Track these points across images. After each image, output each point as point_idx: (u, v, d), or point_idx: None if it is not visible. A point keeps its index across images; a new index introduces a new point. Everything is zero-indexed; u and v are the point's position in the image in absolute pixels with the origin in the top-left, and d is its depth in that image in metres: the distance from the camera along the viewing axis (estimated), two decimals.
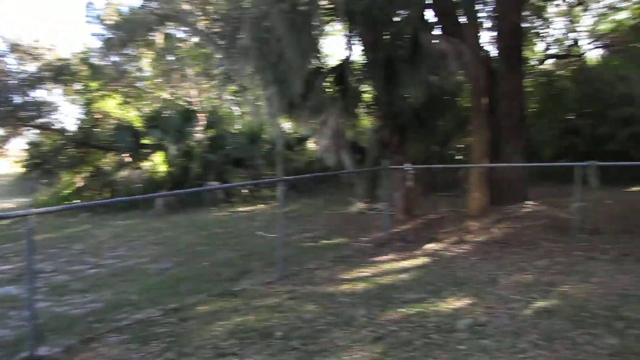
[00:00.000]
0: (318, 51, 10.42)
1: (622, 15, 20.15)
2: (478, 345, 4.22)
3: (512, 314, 4.90)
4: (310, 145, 19.57)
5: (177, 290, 6.41)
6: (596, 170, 8.18)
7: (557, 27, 21.98)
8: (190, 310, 5.48)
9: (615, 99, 17.77)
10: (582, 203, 8.77)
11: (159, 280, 7.00)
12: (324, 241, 9.20)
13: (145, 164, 16.95)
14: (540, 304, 5.20)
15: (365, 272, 6.87)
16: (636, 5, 18.99)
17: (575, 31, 21.74)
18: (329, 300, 5.59)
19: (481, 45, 11.88)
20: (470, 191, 10.21)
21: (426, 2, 11.55)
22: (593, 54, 22.20)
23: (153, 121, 17.58)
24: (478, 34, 10.71)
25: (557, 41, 22.00)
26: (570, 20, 21.45)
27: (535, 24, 20.47)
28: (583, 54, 21.59)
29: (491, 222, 9.77)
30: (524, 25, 16.31)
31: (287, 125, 18.58)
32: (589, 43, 22.00)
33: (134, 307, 5.73)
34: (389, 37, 9.77)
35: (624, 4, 19.64)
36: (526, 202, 11.58)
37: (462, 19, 10.65)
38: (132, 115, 20.27)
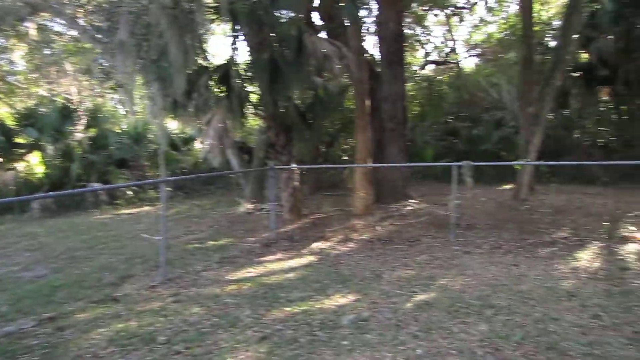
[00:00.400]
0: (203, 49, 10.21)
1: (491, 29, 21.80)
2: (361, 340, 4.33)
3: (394, 308, 5.08)
4: (197, 145, 19.18)
5: (53, 298, 6.00)
6: (470, 170, 8.70)
7: (436, 35, 23.26)
8: (67, 319, 5.15)
9: (488, 103, 19.16)
10: (459, 201, 9.30)
11: (33, 288, 6.50)
12: (211, 242, 9.03)
13: (20, 165, 15.77)
14: (420, 297, 5.43)
15: (252, 272, 6.83)
16: (502, 21, 20.66)
17: (452, 40, 23.08)
18: (215, 302, 5.51)
19: (365, 49, 12.26)
20: (355, 190, 10.50)
21: (312, 5, 11.74)
22: (468, 61, 23.72)
23: (28, 119, 16.33)
24: (361, 38, 11.02)
25: (437, 48, 23.24)
26: (448, 30, 22.71)
27: (416, 32, 21.51)
28: (460, 61, 22.94)
29: (376, 220, 10.10)
30: (405, 31, 17.08)
31: (172, 124, 18.10)
32: (465, 51, 23.47)
33: (2, 319, 5.28)
34: (274, 38, 9.77)
35: (492, 19, 21.28)
36: (409, 200, 12.12)
37: (347, 23, 10.89)
38: (3, 113, 18.78)
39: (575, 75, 16.78)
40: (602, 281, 5.83)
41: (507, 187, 14.17)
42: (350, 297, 5.50)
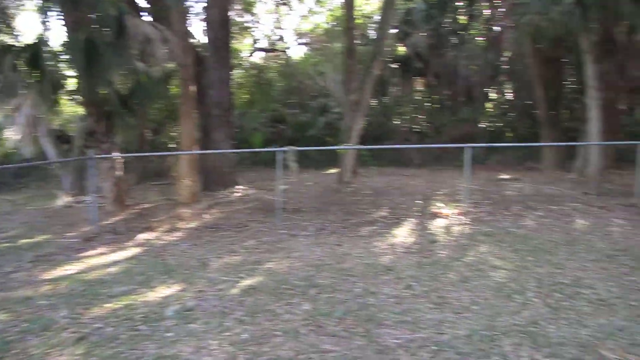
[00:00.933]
0: (7, 25, 9.23)
1: (319, 19, 22.56)
2: (186, 330, 4.25)
3: (220, 295, 5.05)
4: (9, 134, 17.31)
5: None
6: (294, 155, 8.94)
7: (265, 23, 23.44)
8: None
9: (314, 91, 19.88)
10: (286, 185, 9.51)
11: None
12: (23, 240, 8.22)
13: None
14: (246, 282, 5.47)
15: (70, 269, 6.36)
16: (329, 12, 21.56)
17: (281, 28, 23.43)
18: (25, 306, 5.01)
19: (191, 33, 11.99)
20: (181, 178, 10.30)
21: None
22: (297, 50, 24.26)
23: None
24: (186, 23, 10.77)
25: (266, 36, 23.42)
26: (277, 18, 23.02)
27: (245, 18, 21.49)
28: (288, 49, 23.41)
29: (203, 207, 10.01)
30: (234, 18, 17.01)
31: None
32: (294, 40, 23.98)
33: None
34: (92, 17, 9.11)
35: (320, 9, 22.06)
36: (237, 186, 12.17)
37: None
38: None
39: (394, 66, 18.09)
40: (415, 254, 6.36)
41: (333, 171, 14.80)
42: (176, 288, 5.38)
